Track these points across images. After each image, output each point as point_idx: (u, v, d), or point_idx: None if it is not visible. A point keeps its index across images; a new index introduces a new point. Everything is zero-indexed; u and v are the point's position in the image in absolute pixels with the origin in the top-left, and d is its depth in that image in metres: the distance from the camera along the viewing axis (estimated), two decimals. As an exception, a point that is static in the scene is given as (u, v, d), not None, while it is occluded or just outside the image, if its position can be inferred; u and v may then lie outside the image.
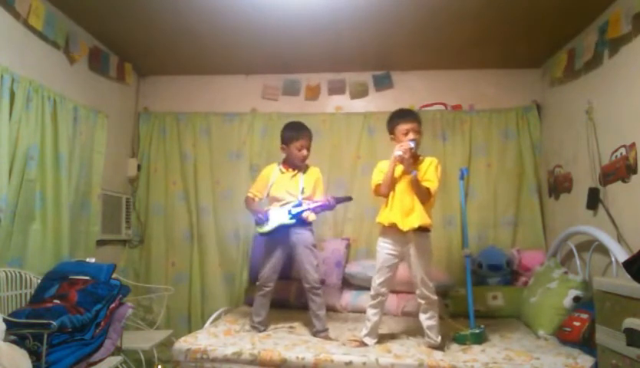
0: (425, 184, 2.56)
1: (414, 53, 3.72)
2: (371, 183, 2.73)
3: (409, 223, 2.53)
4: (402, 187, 2.59)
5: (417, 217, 2.54)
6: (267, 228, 2.88)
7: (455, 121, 3.94)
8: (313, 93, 4.12)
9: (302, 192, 2.91)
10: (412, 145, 2.52)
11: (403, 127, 2.63)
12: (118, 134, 3.92)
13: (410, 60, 3.87)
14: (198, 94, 4.23)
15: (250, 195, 3.05)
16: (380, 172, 2.70)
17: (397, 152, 2.52)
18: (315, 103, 4.11)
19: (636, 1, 2.50)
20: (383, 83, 4.07)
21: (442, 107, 4.02)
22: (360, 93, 4.10)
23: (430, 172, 2.61)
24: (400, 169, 2.60)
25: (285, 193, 2.92)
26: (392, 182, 2.60)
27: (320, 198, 2.92)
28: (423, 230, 2.57)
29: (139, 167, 4.11)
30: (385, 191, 2.63)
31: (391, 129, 2.70)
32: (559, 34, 3.31)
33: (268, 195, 3.00)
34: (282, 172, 3.01)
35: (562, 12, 3.00)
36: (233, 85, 4.21)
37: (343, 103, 4.12)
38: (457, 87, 4.02)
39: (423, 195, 2.56)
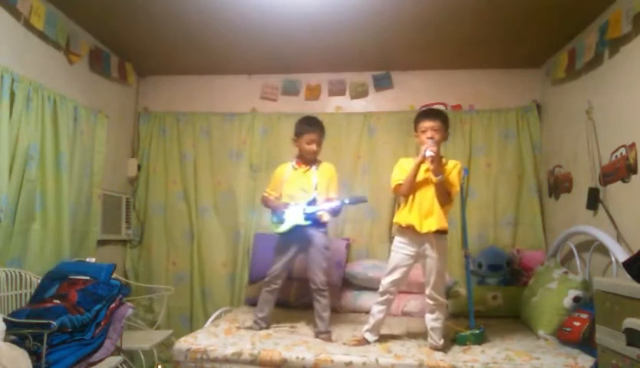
0: (449, 188, 2.54)
1: (414, 53, 3.72)
2: (391, 181, 2.68)
3: (427, 226, 2.52)
4: (422, 189, 2.57)
5: (435, 220, 2.52)
6: (283, 228, 2.84)
7: (455, 121, 3.93)
8: (313, 93, 4.12)
9: (316, 188, 2.87)
10: (428, 153, 2.46)
11: (422, 125, 2.61)
12: (118, 134, 3.92)
13: (410, 60, 3.87)
14: (198, 94, 4.23)
15: (266, 194, 3.03)
16: (402, 170, 2.65)
17: (429, 152, 2.46)
18: (315, 103, 4.11)
19: (636, 1, 2.50)
20: (383, 83, 4.07)
21: (442, 107, 4.01)
22: (360, 93, 4.10)
23: (453, 175, 2.58)
24: (423, 170, 2.57)
25: (298, 190, 2.89)
26: (414, 183, 2.58)
27: (334, 198, 2.87)
28: (440, 232, 2.55)
29: (139, 167, 4.11)
30: (406, 191, 2.60)
31: (415, 129, 2.69)
32: (559, 34, 3.31)
33: (282, 193, 2.96)
34: (295, 169, 2.97)
35: (562, 12, 3.00)
36: (233, 85, 4.21)
37: (343, 103, 4.12)
38: (457, 87, 4.02)
39: (445, 199, 2.54)
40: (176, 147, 4.14)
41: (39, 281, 2.62)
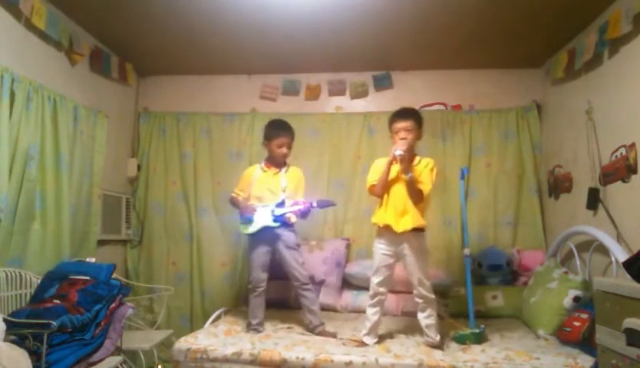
0: (419, 186, 2.57)
1: (414, 53, 3.72)
2: (367, 182, 2.74)
3: (403, 225, 2.55)
4: (396, 188, 2.61)
5: (411, 218, 2.55)
6: (251, 229, 2.90)
7: (455, 121, 3.94)
8: (313, 93, 4.12)
9: (284, 190, 2.93)
10: (397, 153, 2.52)
11: (395, 126, 2.66)
12: (118, 134, 3.92)
13: (410, 60, 3.87)
14: (198, 94, 4.23)
15: (234, 194, 3.08)
16: (376, 171, 2.70)
17: (398, 151, 2.53)
18: (315, 103, 4.11)
19: (636, 1, 2.50)
20: (383, 83, 4.07)
21: (442, 107, 4.01)
22: (360, 93, 4.10)
23: (425, 174, 2.62)
24: (395, 170, 2.60)
25: (266, 191, 2.94)
26: (387, 183, 2.61)
27: (302, 201, 2.91)
28: (417, 230, 2.58)
29: (139, 167, 4.11)
30: (379, 191, 2.65)
31: (389, 129, 2.73)
32: (559, 34, 3.31)
33: (250, 194, 3.00)
34: (264, 171, 3.03)
35: (562, 12, 3.00)
36: (233, 85, 4.21)
37: (343, 103, 4.12)
38: (457, 87, 4.02)
39: (416, 197, 2.57)
40: (176, 147, 4.14)
41: (39, 281, 2.62)
